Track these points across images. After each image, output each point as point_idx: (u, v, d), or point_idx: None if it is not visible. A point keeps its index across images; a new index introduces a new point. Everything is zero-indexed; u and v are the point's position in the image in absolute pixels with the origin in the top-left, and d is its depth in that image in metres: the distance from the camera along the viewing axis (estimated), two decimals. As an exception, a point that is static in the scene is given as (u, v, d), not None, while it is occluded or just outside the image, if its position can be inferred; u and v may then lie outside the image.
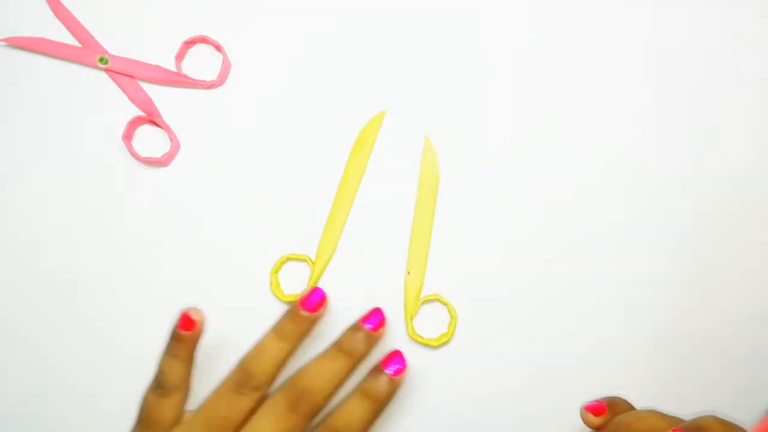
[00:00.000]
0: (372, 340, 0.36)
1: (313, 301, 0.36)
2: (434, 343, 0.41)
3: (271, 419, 0.35)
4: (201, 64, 0.43)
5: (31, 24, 0.44)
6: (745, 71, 0.43)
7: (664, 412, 0.34)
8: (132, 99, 0.43)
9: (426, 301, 0.42)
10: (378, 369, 0.36)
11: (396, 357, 0.36)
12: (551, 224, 0.42)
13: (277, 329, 0.36)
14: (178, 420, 0.36)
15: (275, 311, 0.35)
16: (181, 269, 0.42)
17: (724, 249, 0.42)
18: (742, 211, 0.43)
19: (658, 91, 0.43)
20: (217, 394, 0.36)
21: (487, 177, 0.43)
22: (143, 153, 0.43)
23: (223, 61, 0.43)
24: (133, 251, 0.43)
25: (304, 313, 0.36)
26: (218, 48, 0.43)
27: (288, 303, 0.41)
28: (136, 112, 0.43)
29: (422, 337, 0.41)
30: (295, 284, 0.42)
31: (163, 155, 0.42)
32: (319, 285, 0.42)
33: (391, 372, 0.36)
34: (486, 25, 0.44)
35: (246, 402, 0.35)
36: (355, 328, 0.36)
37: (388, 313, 0.36)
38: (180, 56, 0.43)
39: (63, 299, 0.42)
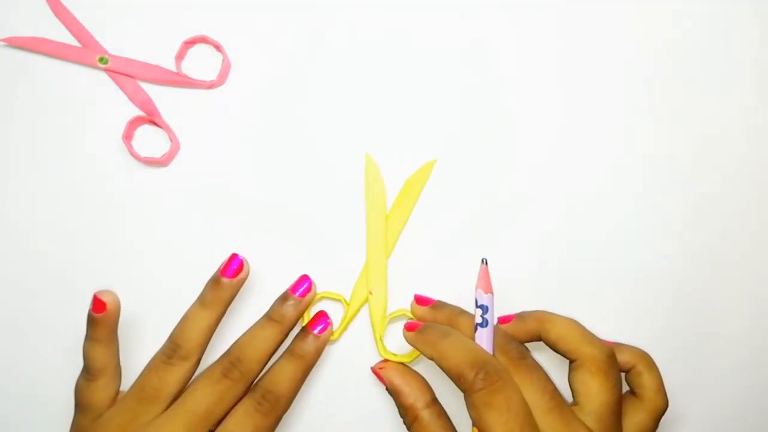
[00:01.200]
0: (300, 307, 0.39)
1: (233, 268, 0.39)
2: (407, 359, 0.40)
3: (205, 384, 0.37)
4: (201, 64, 0.43)
5: (31, 24, 0.44)
6: (746, 69, 0.43)
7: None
8: (132, 99, 0.43)
9: (393, 318, 0.41)
10: (304, 330, 0.39)
11: (321, 317, 0.39)
12: (558, 227, 0.42)
13: (201, 298, 0.39)
14: (111, 400, 0.38)
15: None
16: (181, 269, 0.42)
17: (723, 249, 0.42)
18: (742, 211, 0.43)
19: (656, 93, 0.43)
20: (148, 367, 0.38)
21: (477, 182, 0.43)
22: (143, 153, 0.43)
23: (223, 61, 0.43)
24: (133, 251, 0.43)
25: (224, 280, 0.39)
26: (218, 48, 0.43)
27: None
28: (136, 112, 0.43)
29: (395, 354, 0.40)
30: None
31: (163, 155, 0.42)
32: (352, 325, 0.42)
33: (317, 331, 0.39)
34: (485, 24, 0.44)
35: (176, 372, 0.38)
36: (283, 297, 0.39)
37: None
38: (180, 56, 0.43)
39: (63, 299, 0.42)
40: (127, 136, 0.43)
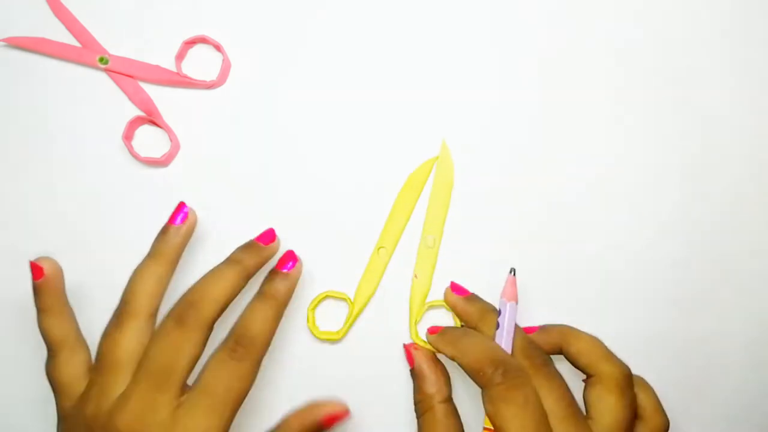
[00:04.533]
0: (262, 253, 0.38)
1: (181, 215, 0.38)
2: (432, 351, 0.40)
3: (161, 337, 0.35)
4: (201, 64, 0.43)
5: (31, 24, 0.44)
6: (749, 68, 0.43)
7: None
8: (132, 99, 0.43)
9: (432, 307, 0.41)
10: (273, 271, 0.38)
11: (289, 256, 0.38)
12: (558, 227, 0.42)
13: (150, 252, 0.38)
14: (81, 376, 0.36)
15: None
16: (182, 270, 0.42)
17: (724, 249, 0.42)
18: (743, 211, 0.43)
19: (659, 92, 0.43)
20: (102, 335, 0.37)
21: (497, 182, 0.43)
22: (143, 153, 0.43)
23: (223, 61, 0.43)
24: (133, 252, 0.43)
25: (172, 228, 0.38)
26: (218, 48, 0.43)
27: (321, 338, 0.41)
28: (136, 112, 0.43)
29: (425, 342, 0.40)
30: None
31: (163, 155, 0.42)
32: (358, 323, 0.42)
33: (286, 269, 0.37)
34: (493, 21, 0.44)
35: (128, 333, 0.36)
36: (246, 243, 0.39)
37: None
38: (180, 56, 0.43)
39: (63, 299, 0.42)
40: (127, 136, 0.43)
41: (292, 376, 0.40)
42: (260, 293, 0.37)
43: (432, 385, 0.37)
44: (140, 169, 0.43)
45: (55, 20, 0.44)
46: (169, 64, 0.43)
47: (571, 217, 0.42)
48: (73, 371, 0.36)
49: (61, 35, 0.43)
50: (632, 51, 0.44)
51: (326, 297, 0.41)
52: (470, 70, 0.43)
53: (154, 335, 0.36)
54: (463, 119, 0.43)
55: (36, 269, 0.37)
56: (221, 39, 0.43)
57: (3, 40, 0.43)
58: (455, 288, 0.40)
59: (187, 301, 0.36)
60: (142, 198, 0.43)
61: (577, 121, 0.43)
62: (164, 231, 0.38)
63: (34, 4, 0.44)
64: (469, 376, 0.35)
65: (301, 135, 0.43)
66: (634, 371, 0.37)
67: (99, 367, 0.36)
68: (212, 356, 0.35)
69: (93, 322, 0.42)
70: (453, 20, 0.44)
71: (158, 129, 0.43)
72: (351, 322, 0.41)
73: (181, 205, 0.39)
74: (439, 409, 0.36)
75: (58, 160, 0.43)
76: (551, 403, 0.34)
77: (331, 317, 0.41)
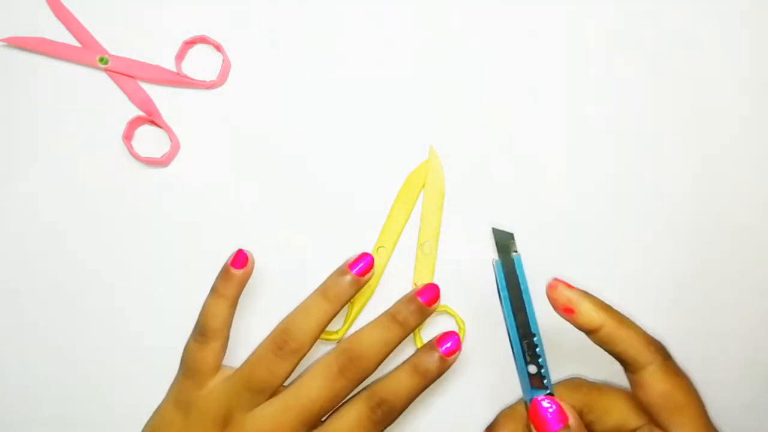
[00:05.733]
0: (424, 314, 0.38)
1: (366, 264, 0.38)
2: None
3: (322, 379, 0.36)
4: (201, 64, 0.43)
5: (31, 24, 0.44)
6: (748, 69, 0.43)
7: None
8: (132, 99, 0.43)
9: (435, 313, 0.41)
10: (431, 345, 0.37)
11: (451, 337, 0.37)
12: (558, 228, 0.42)
13: (323, 290, 0.38)
14: (217, 367, 0.37)
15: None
16: (181, 270, 0.42)
17: (724, 249, 0.42)
18: (743, 210, 0.43)
19: (660, 92, 0.43)
20: (258, 356, 0.37)
21: (493, 184, 0.43)
22: (143, 153, 0.43)
23: (223, 61, 0.43)
24: (133, 252, 0.43)
25: (351, 275, 0.38)
26: (218, 48, 0.43)
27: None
28: (136, 112, 0.43)
29: None
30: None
31: (163, 155, 0.42)
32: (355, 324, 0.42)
33: (444, 351, 0.37)
34: (486, 22, 0.44)
35: (286, 366, 0.36)
36: (408, 299, 0.38)
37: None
38: (180, 56, 0.43)
39: (63, 299, 0.42)
40: (127, 136, 0.43)
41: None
42: (415, 367, 0.37)
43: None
44: (140, 169, 0.43)
45: (55, 20, 0.44)
46: (169, 64, 0.43)
47: (570, 217, 0.42)
48: (214, 362, 0.37)
49: (61, 35, 0.44)
50: (634, 51, 0.43)
51: None
52: (470, 70, 0.43)
53: (317, 373, 0.36)
54: (464, 119, 0.43)
55: (242, 258, 0.37)
56: (221, 39, 0.43)
57: (3, 40, 0.43)
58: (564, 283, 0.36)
59: (357, 354, 0.36)
60: (142, 198, 0.43)
61: (577, 121, 0.43)
62: (342, 273, 0.38)
63: (34, 4, 0.44)
64: (628, 359, 0.34)
65: (300, 135, 0.43)
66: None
67: (248, 386, 0.36)
68: (353, 408, 0.36)
69: (91, 320, 0.42)
70: (453, 21, 0.44)
71: (158, 129, 0.43)
72: (351, 322, 0.41)
73: (366, 256, 0.38)
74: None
75: (58, 160, 0.43)
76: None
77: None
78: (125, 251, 0.43)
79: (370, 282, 0.41)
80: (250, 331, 0.39)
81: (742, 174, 0.43)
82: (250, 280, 0.42)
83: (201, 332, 0.37)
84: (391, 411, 0.36)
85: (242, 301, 0.40)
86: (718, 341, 0.42)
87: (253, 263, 0.38)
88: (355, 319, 0.41)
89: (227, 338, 0.38)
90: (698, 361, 0.42)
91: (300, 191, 0.43)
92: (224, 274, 0.37)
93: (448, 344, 0.37)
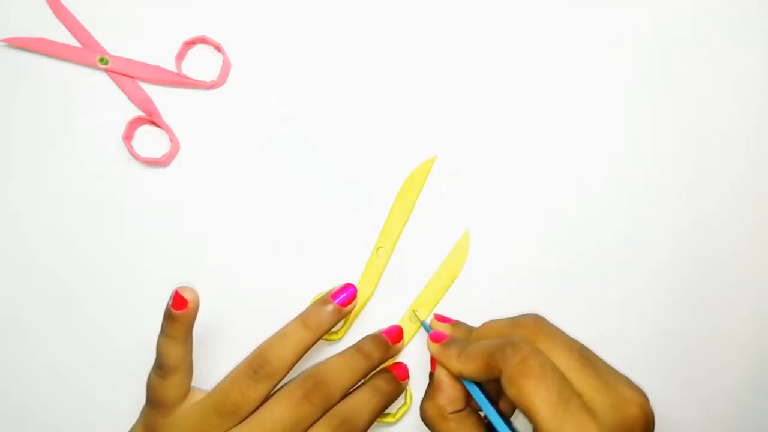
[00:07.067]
0: (389, 352, 0.39)
1: (346, 295, 0.38)
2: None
3: (285, 405, 0.36)
4: (201, 64, 0.43)
5: (31, 24, 0.44)
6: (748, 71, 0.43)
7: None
8: (132, 99, 0.43)
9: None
10: (389, 371, 0.39)
11: (401, 367, 0.40)
12: (558, 228, 0.42)
13: (303, 318, 0.38)
14: (183, 397, 0.37)
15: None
16: (182, 270, 0.42)
17: (724, 249, 0.42)
18: (743, 210, 0.43)
19: (659, 92, 0.43)
20: (231, 379, 0.37)
21: (492, 188, 0.43)
22: (143, 153, 0.43)
23: (223, 61, 0.43)
24: (133, 252, 0.43)
25: (332, 305, 0.38)
26: (218, 48, 0.43)
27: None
28: (136, 112, 0.43)
29: None
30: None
31: (163, 155, 0.42)
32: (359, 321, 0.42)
33: (399, 376, 0.39)
34: (488, 23, 0.44)
35: (260, 390, 0.36)
36: (375, 336, 0.39)
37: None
38: (180, 56, 0.43)
39: (63, 299, 0.42)
40: (127, 137, 0.43)
41: (292, 376, 0.40)
42: (375, 388, 0.38)
43: (447, 395, 0.35)
44: (140, 169, 0.43)
45: (56, 20, 0.44)
46: (169, 64, 0.43)
47: (570, 217, 0.42)
48: (178, 394, 0.37)
49: (61, 35, 0.44)
50: (635, 50, 0.43)
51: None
52: (470, 71, 0.43)
53: (281, 399, 0.36)
54: (463, 120, 0.43)
55: (179, 300, 0.36)
56: (221, 39, 0.43)
57: (3, 40, 0.43)
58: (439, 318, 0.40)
59: (323, 380, 0.36)
60: (142, 198, 0.43)
61: (576, 122, 0.43)
62: (323, 302, 0.38)
63: (34, 4, 0.44)
64: (483, 372, 0.33)
65: (300, 135, 0.43)
66: (634, 371, 0.37)
67: (218, 409, 0.36)
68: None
69: (91, 320, 0.42)
70: (453, 21, 0.44)
71: (158, 129, 0.43)
72: (350, 322, 0.41)
73: (348, 286, 0.38)
74: (453, 419, 0.35)
75: (58, 160, 0.43)
76: (562, 360, 0.32)
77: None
78: (125, 251, 0.43)
79: (370, 282, 0.41)
80: (250, 331, 0.39)
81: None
82: (250, 280, 0.42)
83: (160, 367, 0.37)
84: (354, 430, 0.36)
85: (243, 300, 0.40)
86: (718, 341, 0.42)
87: (195, 301, 0.36)
88: (354, 319, 0.41)
89: (189, 368, 0.37)
90: (698, 362, 0.42)
91: (300, 191, 0.43)
92: (167, 315, 0.36)
93: (401, 370, 0.39)
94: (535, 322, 0.34)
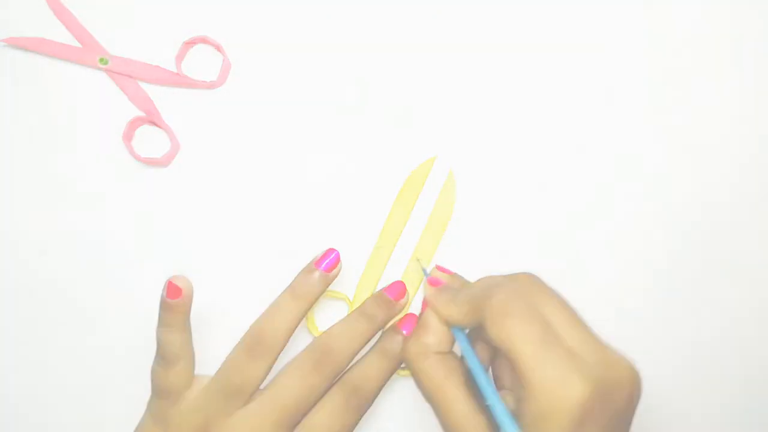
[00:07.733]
0: (393, 310, 0.38)
1: (329, 261, 0.38)
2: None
3: (294, 379, 0.36)
4: (201, 64, 0.43)
5: (31, 24, 0.44)
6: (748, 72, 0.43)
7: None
8: (132, 99, 0.43)
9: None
10: (395, 329, 0.38)
11: (410, 319, 0.38)
12: (557, 228, 0.42)
13: (292, 288, 0.38)
14: (187, 384, 0.37)
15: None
16: (182, 270, 0.42)
17: (724, 249, 0.43)
18: (743, 210, 0.43)
19: (659, 92, 0.43)
20: (231, 359, 0.37)
21: (495, 186, 0.43)
22: (143, 153, 0.43)
23: (223, 61, 0.43)
24: (132, 251, 0.43)
25: (318, 272, 0.38)
26: (218, 48, 0.43)
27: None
28: (136, 112, 0.43)
29: None
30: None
31: (163, 155, 0.42)
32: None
33: (406, 332, 0.38)
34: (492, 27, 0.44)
35: (260, 367, 0.36)
36: (377, 296, 0.39)
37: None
38: (180, 57, 0.43)
39: (63, 299, 0.42)
40: (127, 137, 0.43)
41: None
42: (382, 351, 0.38)
43: (433, 335, 0.33)
44: (140, 169, 0.43)
45: (56, 20, 0.44)
46: (169, 64, 0.43)
47: (570, 217, 0.43)
48: (183, 381, 0.37)
49: (61, 35, 0.44)
50: (635, 50, 0.44)
51: (325, 297, 0.41)
52: (470, 70, 0.43)
53: (291, 371, 0.37)
54: (463, 120, 0.43)
55: (173, 289, 0.36)
56: (221, 39, 0.43)
57: (3, 40, 0.43)
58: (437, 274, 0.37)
59: (330, 349, 0.37)
60: (142, 198, 0.43)
61: (576, 122, 0.43)
62: (309, 270, 0.38)
63: (34, 4, 0.44)
64: (468, 318, 0.32)
65: (301, 135, 0.43)
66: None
67: (224, 392, 0.36)
68: (329, 400, 0.36)
69: (91, 320, 0.42)
70: (453, 21, 0.44)
71: (158, 129, 0.43)
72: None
73: (331, 251, 0.38)
74: (434, 358, 0.33)
75: (58, 160, 0.43)
76: (554, 316, 0.30)
77: (331, 317, 0.41)
78: (125, 251, 0.43)
79: (370, 281, 0.41)
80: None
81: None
82: (250, 280, 0.42)
83: (162, 357, 0.37)
84: (367, 397, 0.37)
85: (243, 300, 0.40)
86: (718, 341, 0.42)
87: (189, 288, 0.36)
88: None
89: (191, 356, 0.38)
90: (698, 362, 0.42)
91: (300, 191, 0.43)
92: (163, 305, 0.37)
93: (409, 327, 0.38)
94: (530, 278, 0.33)
